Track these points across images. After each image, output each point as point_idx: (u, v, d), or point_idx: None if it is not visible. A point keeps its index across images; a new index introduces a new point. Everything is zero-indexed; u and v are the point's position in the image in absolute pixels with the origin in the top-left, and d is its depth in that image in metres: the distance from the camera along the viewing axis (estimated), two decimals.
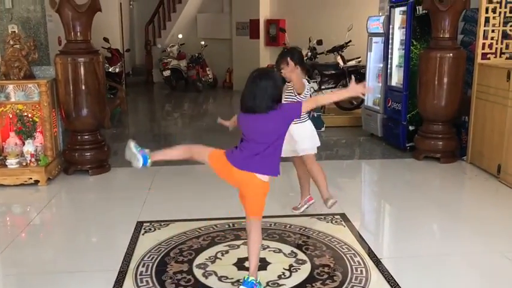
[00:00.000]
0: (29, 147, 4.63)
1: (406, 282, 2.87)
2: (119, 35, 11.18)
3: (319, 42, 8.08)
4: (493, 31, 5.05)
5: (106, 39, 9.27)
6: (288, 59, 3.57)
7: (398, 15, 6.00)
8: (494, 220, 3.88)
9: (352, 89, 2.80)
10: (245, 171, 2.73)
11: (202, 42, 11.67)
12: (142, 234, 3.53)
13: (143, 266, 3.06)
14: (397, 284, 2.85)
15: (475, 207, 4.23)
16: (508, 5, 5.03)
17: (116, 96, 8.62)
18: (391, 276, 2.95)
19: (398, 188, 4.72)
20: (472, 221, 3.88)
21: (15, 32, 5.09)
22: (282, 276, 2.95)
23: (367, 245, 3.39)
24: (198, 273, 2.98)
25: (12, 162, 4.59)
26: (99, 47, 5.19)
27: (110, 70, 8.93)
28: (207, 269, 3.02)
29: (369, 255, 3.23)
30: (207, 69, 11.49)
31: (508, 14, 5.04)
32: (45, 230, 3.90)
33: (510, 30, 5.08)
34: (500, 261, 3.17)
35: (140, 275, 2.96)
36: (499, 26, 5.04)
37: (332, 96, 3.15)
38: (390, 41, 6.13)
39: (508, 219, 3.89)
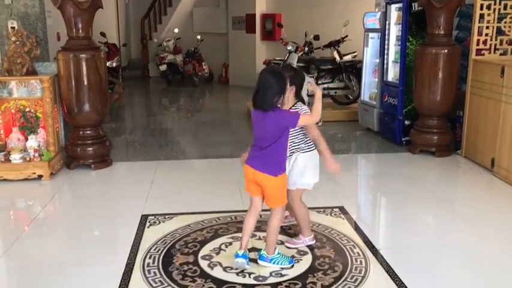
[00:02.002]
0: (32, 142, 4.71)
1: (404, 272, 2.97)
2: (115, 29, 11.22)
3: (316, 37, 8.15)
4: (487, 27, 5.16)
5: (103, 34, 9.31)
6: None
7: (395, 11, 6.09)
8: (488, 213, 4.00)
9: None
10: (252, 168, 2.89)
11: (199, 37, 11.71)
12: (148, 227, 3.62)
13: (150, 258, 3.15)
14: (395, 274, 2.97)
15: (470, 200, 4.35)
16: (503, 2, 5.13)
17: (114, 91, 8.67)
18: (390, 266, 3.06)
19: (395, 182, 4.84)
20: (467, 214, 4.00)
21: (15, 27, 5.15)
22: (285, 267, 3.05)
23: (366, 236, 3.50)
24: (203, 264, 3.07)
25: (16, 157, 4.66)
26: (97, 42, 5.25)
27: (107, 65, 8.95)
28: (212, 260, 3.12)
29: (367, 247, 3.34)
30: (203, 63, 11.55)
31: (502, 11, 5.14)
32: (51, 224, 3.98)
33: (504, 26, 5.18)
34: (494, 252, 3.29)
35: (147, 266, 3.05)
36: (494, 22, 5.15)
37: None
38: (386, 37, 6.22)
39: (501, 212, 4.01)
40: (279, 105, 2.84)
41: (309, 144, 3.17)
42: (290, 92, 2.99)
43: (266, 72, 2.86)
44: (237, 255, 2.98)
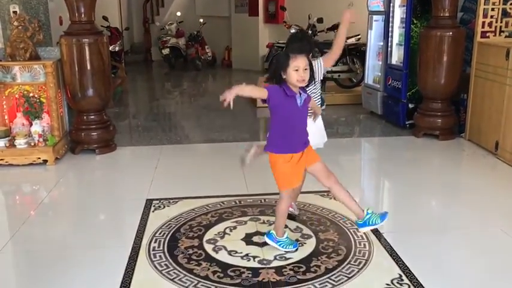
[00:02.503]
0: (37, 127, 4.72)
1: (406, 256, 2.99)
2: (118, 13, 11.16)
3: (320, 20, 8.09)
4: (492, 9, 5.11)
5: (105, 18, 9.27)
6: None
7: None
8: (492, 196, 4.01)
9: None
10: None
11: (201, 20, 11.64)
12: (153, 212, 3.65)
13: (155, 242, 3.19)
14: (399, 257, 2.99)
15: (473, 183, 4.35)
16: None
17: (117, 76, 8.66)
18: (393, 249, 3.09)
19: (398, 165, 4.84)
20: (470, 197, 4.01)
21: (17, 12, 5.13)
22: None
23: None
24: (208, 248, 3.10)
25: (20, 142, 4.68)
26: (99, 26, 5.23)
27: (109, 49, 8.93)
28: (217, 244, 3.15)
29: (371, 230, 3.36)
30: (206, 47, 11.50)
31: None
32: (57, 208, 4.02)
33: (510, 8, 5.13)
34: (498, 235, 3.30)
35: (153, 250, 3.08)
36: (499, 4, 5.09)
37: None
38: (391, 20, 6.17)
39: (505, 195, 4.02)
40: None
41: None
42: None
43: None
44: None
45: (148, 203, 3.82)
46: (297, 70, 2.72)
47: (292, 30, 7.74)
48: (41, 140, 4.72)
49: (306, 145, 2.93)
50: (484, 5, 5.09)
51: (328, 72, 7.69)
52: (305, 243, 3.18)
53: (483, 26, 5.15)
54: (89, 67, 4.81)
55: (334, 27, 7.88)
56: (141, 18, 13.22)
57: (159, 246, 3.13)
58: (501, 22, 5.15)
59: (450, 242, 3.26)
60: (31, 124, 4.78)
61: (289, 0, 10.31)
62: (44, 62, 4.75)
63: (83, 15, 4.78)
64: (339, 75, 7.80)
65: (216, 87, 10.14)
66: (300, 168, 2.91)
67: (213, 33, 11.79)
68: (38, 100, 4.81)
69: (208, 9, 12.07)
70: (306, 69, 2.74)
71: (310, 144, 2.96)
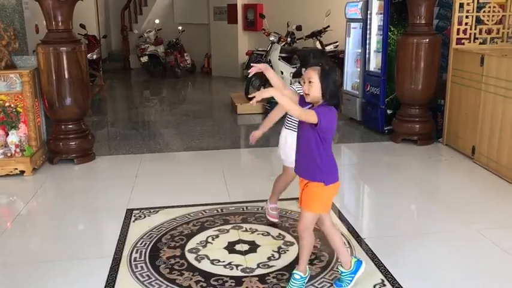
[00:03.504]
0: (13, 137, 4.64)
1: (388, 260, 3.03)
2: (95, 21, 11.08)
3: (298, 28, 8.15)
4: (467, 17, 5.22)
5: (82, 26, 9.16)
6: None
7: (376, 1, 6.12)
8: (470, 199, 4.08)
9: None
10: None
11: (180, 28, 11.60)
12: (133, 221, 3.61)
13: (137, 252, 3.15)
14: (380, 262, 3.02)
15: (451, 188, 4.43)
16: None
17: (95, 84, 8.56)
18: (374, 254, 3.11)
19: (378, 171, 4.89)
20: (448, 201, 4.07)
21: None
22: (272, 257, 3.08)
23: (350, 225, 3.55)
24: (190, 257, 3.08)
25: None
26: (77, 34, 5.17)
27: (87, 57, 8.83)
28: (199, 253, 3.13)
29: (352, 235, 3.39)
30: (185, 54, 11.46)
31: (481, 0, 5.21)
32: (35, 220, 3.93)
33: (483, 16, 5.25)
34: (475, 238, 3.36)
35: (134, 261, 3.05)
36: (473, 11, 5.21)
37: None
38: (368, 27, 6.26)
39: (482, 199, 4.10)
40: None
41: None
42: None
43: None
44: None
45: (129, 212, 3.77)
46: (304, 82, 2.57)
47: (272, 38, 7.78)
48: (18, 150, 4.63)
49: None
50: (459, 12, 5.20)
51: None
52: (288, 250, 3.18)
53: (458, 33, 5.26)
54: (66, 76, 4.76)
55: (313, 35, 7.97)
56: (119, 26, 13.11)
57: (140, 257, 3.09)
58: (475, 29, 5.26)
59: (430, 245, 3.30)
60: (7, 134, 4.69)
61: (268, 7, 10.37)
62: (21, 71, 4.68)
63: (60, 24, 4.72)
64: None
65: (196, 94, 10.11)
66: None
67: (192, 41, 11.77)
68: (14, 110, 4.73)
69: (187, 17, 12.05)
70: (310, 81, 2.51)
71: None
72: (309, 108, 2.56)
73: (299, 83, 3.18)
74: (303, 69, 3.08)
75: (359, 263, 2.79)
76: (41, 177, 4.68)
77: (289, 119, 3.28)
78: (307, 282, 2.74)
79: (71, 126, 4.98)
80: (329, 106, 2.53)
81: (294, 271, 2.72)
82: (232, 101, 7.93)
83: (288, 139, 3.25)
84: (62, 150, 4.98)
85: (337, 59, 7.70)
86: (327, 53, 3.19)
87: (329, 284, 2.79)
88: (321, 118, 2.45)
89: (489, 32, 5.32)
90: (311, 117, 2.45)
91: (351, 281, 2.75)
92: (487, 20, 5.26)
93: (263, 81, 7.09)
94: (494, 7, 5.23)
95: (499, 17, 5.28)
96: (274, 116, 3.21)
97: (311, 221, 2.65)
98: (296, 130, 2.81)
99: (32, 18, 5.70)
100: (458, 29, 5.24)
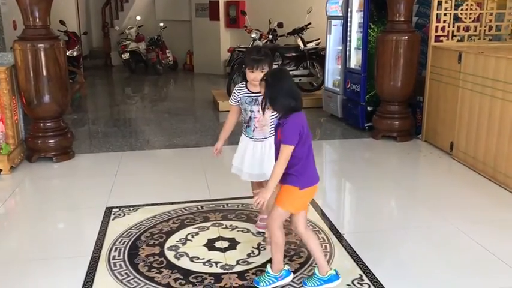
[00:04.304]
0: None
1: (367, 256, 3.05)
2: (75, 17, 10.94)
3: (280, 25, 8.16)
4: (445, 14, 5.28)
5: (62, 22, 9.07)
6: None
7: None
8: (448, 195, 4.13)
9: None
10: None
11: (161, 24, 11.52)
12: (112, 220, 3.59)
13: (115, 251, 3.13)
14: (359, 257, 3.04)
15: (430, 183, 4.48)
16: None
17: (75, 81, 8.47)
18: (353, 250, 3.14)
19: (358, 167, 4.93)
20: (427, 196, 4.13)
21: None
22: (251, 254, 3.08)
23: (331, 222, 3.57)
24: (169, 255, 3.07)
25: None
26: (56, 31, 5.10)
27: (67, 54, 8.71)
28: (179, 251, 3.12)
29: (331, 231, 3.41)
30: (167, 51, 11.38)
31: None
32: (12, 219, 3.89)
33: (461, 13, 5.31)
34: (454, 233, 3.41)
35: (113, 259, 3.02)
36: (451, 9, 5.27)
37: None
38: (349, 24, 6.29)
39: (460, 194, 4.16)
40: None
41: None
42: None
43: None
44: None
45: (108, 211, 3.74)
46: None
47: (253, 35, 7.79)
48: None
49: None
50: (437, 10, 5.25)
51: None
52: (268, 246, 3.18)
53: (436, 31, 5.32)
54: (44, 73, 4.69)
55: (295, 32, 7.98)
56: (100, 22, 12.98)
57: (119, 255, 3.07)
58: (453, 27, 5.33)
59: (409, 240, 3.35)
60: None
61: (250, 4, 10.35)
62: None
63: (37, 20, 4.65)
64: (300, 79, 7.88)
65: (178, 91, 10.06)
66: None
67: (174, 38, 11.70)
68: None
69: (169, 14, 11.97)
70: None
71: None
72: (277, 119, 2.62)
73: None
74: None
75: (335, 277, 2.70)
76: (18, 175, 4.61)
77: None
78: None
79: (49, 124, 4.91)
80: (288, 117, 2.51)
81: (267, 265, 2.77)
82: (214, 98, 7.91)
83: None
84: (41, 148, 4.91)
85: (318, 56, 7.73)
86: (267, 50, 3.12)
87: None
88: (288, 141, 2.49)
89: (467, 29, 5.39)
90: (286, 152, 2.50)
91: (319, 285, 2.69)
92: (465, 18, 5.33)
93: (245, 79, 7.08)
94: (471, 5, 5.30)
95: (477, 15, 5.35)
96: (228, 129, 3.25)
97: (278, 215, 2.65)
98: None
99: (10, 14, 5.61)
100: (436, 27, 5.30)
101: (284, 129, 2.51)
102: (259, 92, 2.81)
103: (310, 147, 2.64)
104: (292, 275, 2.79)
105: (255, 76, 3.01)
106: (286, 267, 2.79)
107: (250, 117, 3.14)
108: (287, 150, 2.51)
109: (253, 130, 3.14)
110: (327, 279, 2.70)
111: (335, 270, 2.74)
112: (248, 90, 3.14)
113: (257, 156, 3.15)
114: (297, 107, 2.55)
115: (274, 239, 2.70)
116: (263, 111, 2.66)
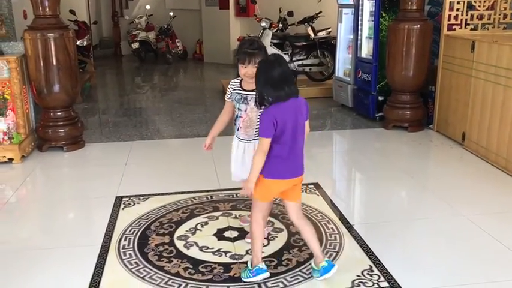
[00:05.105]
0: (1, 125, 4.60)
1: (377, 246, 3.03)
2: (85, 7, 10.92)
3: (290, 14, 8.09)
4: (458, 2, 5.19)
5: (72, 12, 9.06)
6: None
7: None
8: (459, 185, 4.09)
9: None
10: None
11: (171, 13, 11.49)
12: (122, 209, 3.60)
13: (125, 240, 3.14)
14: (369, 248, 3.02)
15: (441, 174, 4.44)
16: None
17: (85, 71, 8.49)
18: (363, 240, 3.12)
19: (368, 157, 4.90)
20: (438, 187, 4.08)
21: None
22: None
23: (340, 212, 3.55)
24: (179, 244, 3.08)
25: None
26: (66, 20, 5.10)
27: (77, 44, 8.74)
28: (188, 240, 3.13)
29: (341, 222, 3.39)
30: (177, 40, 11.36)
31: None
32: (23, 207, 3.92)
33: (475, 1, 5.22)
34: (464, 224, 3.38)
35: (123, 248, 3.04)
36: None
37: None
38: (360, 13, 6.21)
39: (471, 185, 4.12)
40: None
41: None
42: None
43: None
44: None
45: (118, 200, 3.76)
46: None
47: (263, 24, 7.73)
48: (6, 138, 4.59)
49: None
50: None
51: (299, 66, 7.73)
52: (277, 236, 3.18)
53: (449, 19, 5.24)
54: (54, 62, 4.70)
55: (305, 21, 7.91)
56: (110, 11, 12.96)
57: (129, 244, 3.09)
58: (467, 15, 5.24)
59: (419, 231, 3.32)
60: None
61: None
62: (8, 57, 4.61)
63: (47, 9, 4.65)
64: (310, 69, 7.83)
65: (188, 81, 10.05)
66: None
67: (184, 27, 11.66)
68: (2, 97, 4.67)
69: (178, 3, 11.93)
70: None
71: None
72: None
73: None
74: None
75: (327, 268, 2.66)
76: (29, 164, 4.64)
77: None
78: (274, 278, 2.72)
79: (59, 113, 4.93)
80: (267, 110, 2.47)
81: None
82: (223, 88, 7.88)
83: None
84: (51, 138, 4.94)
85: (329, 45, 7.67)
86: (261, 43, 2.90)
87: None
88: (262, 133, 2.48)
89: (480, 17, 5.29)
90: (261, 143, 2.49)
91: (319, 276, 2.66)
92: (479, 6, 5.23)
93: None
94: None
95: (491, 3, 5.25)
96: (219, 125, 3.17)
97: (254, 204, 2.66)
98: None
99: (20, 4, 5.59)
100: (449, 15, 5.22)
101: (260, 120, 2.54)
102: (251, 90, 2.75)
103: (296, 142, 2.54)
104: (267, 273, 2.67)
105: (246, 71, 2.79)
106: (261, 264, 2.68)
107: (237, 116, 2.98)
108: (262, 141, 2.48)
109: (238, 129, 2.99)
110: (321, 270, 2.67)
111: (326, 261, 2.68)
112: (241, 87, 2.91)
113: (239, 156, 3.01)
114: (279, 97, 2.46)
115: (251, 229, 2.69)
116: (257, 106, 2.61)
